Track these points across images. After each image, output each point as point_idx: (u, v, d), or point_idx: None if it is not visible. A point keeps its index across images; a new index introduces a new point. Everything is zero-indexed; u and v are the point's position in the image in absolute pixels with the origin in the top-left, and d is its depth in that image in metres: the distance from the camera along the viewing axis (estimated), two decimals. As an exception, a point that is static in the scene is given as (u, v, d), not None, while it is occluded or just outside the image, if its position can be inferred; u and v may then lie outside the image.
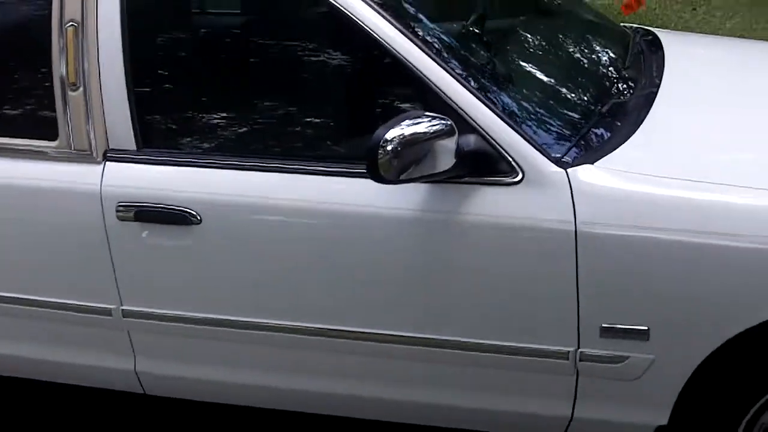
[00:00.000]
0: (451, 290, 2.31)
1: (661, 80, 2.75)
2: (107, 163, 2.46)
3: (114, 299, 2.52)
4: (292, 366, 2.52)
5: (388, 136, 2.06)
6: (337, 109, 2.51)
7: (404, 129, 2.08)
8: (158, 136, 2.50)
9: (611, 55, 3.00)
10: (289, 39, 2.50)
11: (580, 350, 2.26)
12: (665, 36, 3.28)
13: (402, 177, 2.11)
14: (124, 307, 2.52)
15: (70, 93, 2.43)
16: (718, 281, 2.15)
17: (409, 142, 2.07)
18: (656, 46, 3.12)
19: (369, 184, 2.17)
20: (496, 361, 2.33)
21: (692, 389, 2.26)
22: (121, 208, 2.42)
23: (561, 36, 3.00)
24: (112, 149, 2.46)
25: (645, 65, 2.94)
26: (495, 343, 2.31)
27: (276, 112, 2.49)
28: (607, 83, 2.82)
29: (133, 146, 2.44)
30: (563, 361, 2.28)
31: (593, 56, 2.98)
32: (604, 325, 2.22)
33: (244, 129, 2.48)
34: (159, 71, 2.56)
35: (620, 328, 2.21)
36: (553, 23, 3.07)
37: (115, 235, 2.45)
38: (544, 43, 2.90)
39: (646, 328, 2.20)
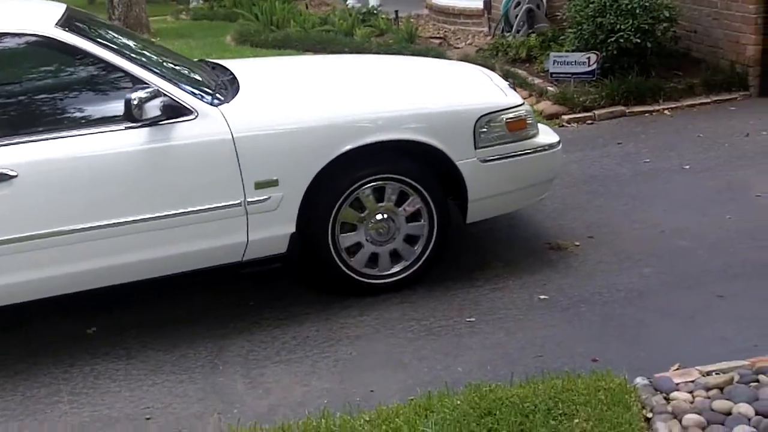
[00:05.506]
0: (172, 184, 4.25)
1: (233, 73, 4.98)
2: None
3: None
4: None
5: (132, 97, 4.01)
6: (99, 99, 4.34)
7: (138, 93, 4.04)
8: None
9: (203, 64, 5.24)
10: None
11: (246, 199, 4.33)
12: (222, 61, 5.54)
13: (143, 118, 4.06)
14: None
15: None
16: (306, 148, 4.38)
17: (141, 101, 4.03)
18: (217, 64, 5.38)
19: (123, 134, 4.12)
20: (204, 218, 4.30)
21: (304, 206, 4.44)
22: None
23: (176, 56, 5.19)
24: None
25: (219, 69, 5.17)
26: (202, 207, 4.29)
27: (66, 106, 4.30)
28: (213, 74, 5.03)
29: None
30: (239, 207, 4.33)
31: (198, 63, 5.22)
32: (256, 181, 4.33)
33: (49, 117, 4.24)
34: None
35: (263, 180, 4.34)
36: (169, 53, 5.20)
37: None
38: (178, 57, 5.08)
39: (276, 178, 4.35)
